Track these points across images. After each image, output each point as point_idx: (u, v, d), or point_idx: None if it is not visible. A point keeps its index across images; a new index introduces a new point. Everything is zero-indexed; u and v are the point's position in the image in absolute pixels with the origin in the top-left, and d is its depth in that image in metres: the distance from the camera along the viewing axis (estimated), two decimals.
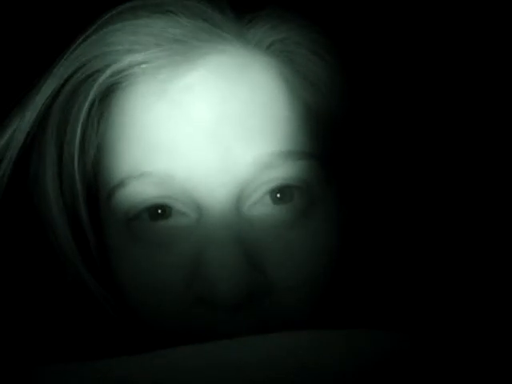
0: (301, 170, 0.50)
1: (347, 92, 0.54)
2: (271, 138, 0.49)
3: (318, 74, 0.53)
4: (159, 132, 0.50)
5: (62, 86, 0.51)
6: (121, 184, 0.50)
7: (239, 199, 0.49)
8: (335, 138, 0.54)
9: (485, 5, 0.59)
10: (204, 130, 0.49)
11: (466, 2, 0.60)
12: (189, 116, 0.49)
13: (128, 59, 0.51)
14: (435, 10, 0.60)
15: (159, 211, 0.50)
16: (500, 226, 0.58)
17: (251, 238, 0.49)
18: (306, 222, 0.51)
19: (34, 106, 0.51)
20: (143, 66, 0.51)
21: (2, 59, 0.60)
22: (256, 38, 0.52)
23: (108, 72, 0.51)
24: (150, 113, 0.50)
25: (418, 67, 0.59)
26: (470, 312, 0.54)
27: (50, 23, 0.59)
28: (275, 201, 0.50)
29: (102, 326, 0.53)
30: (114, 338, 0.53)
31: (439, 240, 0.58)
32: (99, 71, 0.51)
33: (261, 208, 0.50)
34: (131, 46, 0.51)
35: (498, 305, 0.54)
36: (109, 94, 0.52)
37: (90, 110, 0.52)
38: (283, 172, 0.49)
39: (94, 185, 0.54)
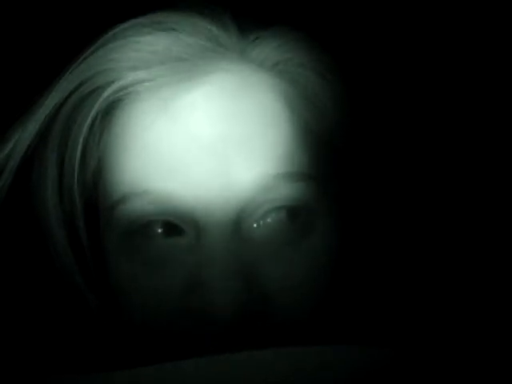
0: (300, 191, 0.50)
1: (349, 114, 0.55)
2: (271, 159, 0.50)
3: (321, 95, 0.54)
4: (160, 149, 0.50)
5: (65, 99, 0.52)
6: (122, 200, 0.51)
7: (238, 220, 0.50)
8: (335, 157, 0.54)
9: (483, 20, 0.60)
10: (205, 149, 0.49)
11: (466, 18, 0.60)
12: (190, 134, 0.50)
13: (131, 76, 0.51)
14: (439, 32, 0.60)
15: (159, 229, 0.51)
16: (503, 241, 0.59)
17: (250, 258, 0.49)
18: (304, 241, 0.51)
19: (37, 119, 0.52)
20: (146, 83, 0.51)
21: (6, 72, 0.61)
22: (260, 57, 0.52)
23: (111, 88, 0.51)
24: (152, 129, 0.50)
25: (421, 91, 0.59)
26: (465, 325, 0.55)
27: (54, 38, 0.60)
28: (274, 221, 0.51)
29: (96, 333, 0.54)
30: (107, 345, 0.54)
31: (438, 251, 0.58)
32: (102, 87, 0.52)
33: (260, 228, 0.51)
34: (135, 64, 0.51)
35: (494, 322, 0.54)
36: (111, 110, 0.53)
37: (92, 124, 0.53)
38: (282, 193, 0.50)
39: (95, 195, 0.54)
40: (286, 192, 0.50)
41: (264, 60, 0.52)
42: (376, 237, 0.57)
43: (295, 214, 0.51)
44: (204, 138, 0.50)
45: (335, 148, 0.54)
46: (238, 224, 0.50)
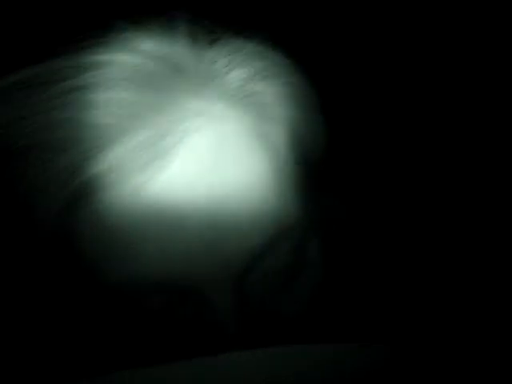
0: (287, 252, 0.50)
1: (327, 139, 0.55)
2: (258, 226, 0.49)
3: (298, 125, 0.53)
4: (142, 234, 0.48)
5: None
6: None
7: (237, 286, 0.49)
8: (317, 180, 0.54)
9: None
10: (193, 228, 0.48)
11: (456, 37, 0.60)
12: (174, 213, 0.48)
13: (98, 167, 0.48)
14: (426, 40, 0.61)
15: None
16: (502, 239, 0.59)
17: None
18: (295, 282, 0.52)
19: None
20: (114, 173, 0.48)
21: None
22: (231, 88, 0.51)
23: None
24: (129, 218, 0.48)
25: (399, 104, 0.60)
26: (464, 323, 0.55)
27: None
28: (269, 276, 0.50)
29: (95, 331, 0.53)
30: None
31: (434, 251, 0.59)
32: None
33: (257, 284, 0.50)
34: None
35: (494, 321, 0.54)
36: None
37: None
38: (276, 255, 0.50)
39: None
40: (278, 254, 0.50)
41: (233, 97, 0.51)
42: (374, 237, 0.57)
43: (289, 266, 0.51)
44: (190, 218, 0.48)
45: (317, 173, 0.54)
46: (237, 289, 0.49)
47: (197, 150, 0.48)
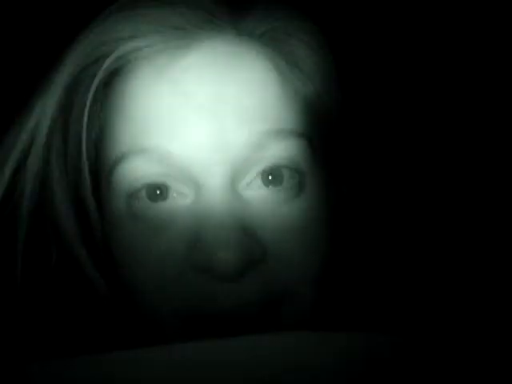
0: (290, 149, 0.52)
1: (336, 80, 0.57)
2: (262, 119, 0.51)
3: (308, 62, 0.56)
4: (157, 109, 0.51)
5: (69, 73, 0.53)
6: (121, 159, 0.52)
7: (234, 178, 0.51)
8: (325, 122, 0.56)
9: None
10: (200, 108, 0.51)
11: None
12: (185, 94, 0.51)
13: (130, 45, 0.53)
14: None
15: (157, 192, 0.52)
16: (497, 223, 0.58)
17: (246, 214, 0.51)
18: (296, 200, 0.52)
19: (53, 92, 0.52)
20: (144, 50, 0.53)
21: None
22: (249, 27, 0.54)
23: (112, 57, 0.53)
24: (150, 92, 0.52)
25: (409, 59, 0.61)
26: (465, 314, 0.54)
27: (53, 21, 0.62)
28: (266, 182, 0.52)
29: (98, 312, 0.53)
30: (110, 324, 0.53)
31: (432, 229, 0.58)
32: (104, 57, 0.53)
33: (254, 189, 0.52)
34: (133, 33, 0.53)
35: (495, 308, 0.54)
36: (111, 80, 0.54)
37: (94, 94, 0.53)
38: (274, 151, 0.51)
39: (96, 165, 0.55)
40: (277, 150, 0.51)
41: (252, 30, 0.54)
42: (368, 203, 0.57)
43: (286, 176, 0.52)
44: (198, 97, 0.51)
45: (325, 112, 0.56)
46: (233, 182, 0.51)
47: (216, 53, 0.53)
